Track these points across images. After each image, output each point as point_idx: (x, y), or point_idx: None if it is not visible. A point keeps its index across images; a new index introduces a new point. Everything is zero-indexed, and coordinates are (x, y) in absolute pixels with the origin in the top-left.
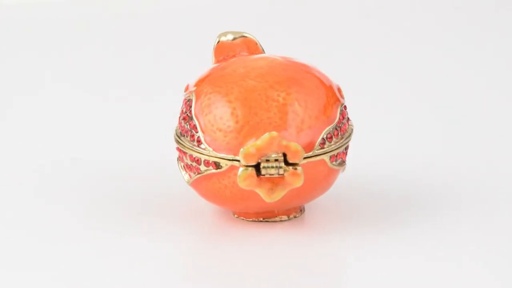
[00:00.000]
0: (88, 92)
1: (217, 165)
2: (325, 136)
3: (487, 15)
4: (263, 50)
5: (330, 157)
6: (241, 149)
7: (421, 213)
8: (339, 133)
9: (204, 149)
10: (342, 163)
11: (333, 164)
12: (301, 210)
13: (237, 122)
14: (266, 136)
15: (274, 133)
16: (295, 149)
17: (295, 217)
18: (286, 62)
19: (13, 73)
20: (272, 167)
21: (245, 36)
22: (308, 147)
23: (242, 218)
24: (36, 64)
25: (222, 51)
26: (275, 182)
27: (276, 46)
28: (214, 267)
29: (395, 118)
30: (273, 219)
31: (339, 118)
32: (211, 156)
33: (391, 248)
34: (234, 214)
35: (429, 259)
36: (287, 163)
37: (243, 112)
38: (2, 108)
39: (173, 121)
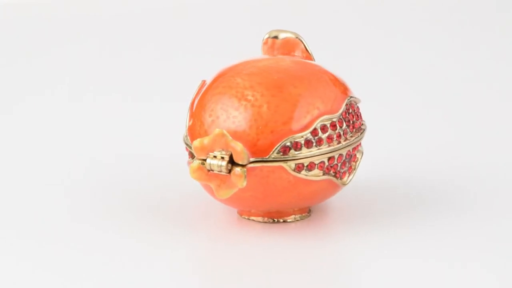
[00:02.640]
0: (99, 92)
1: (191, 155)
2: (289, 143)
3: (494, 16)
4: (310, 52)
5: (296, 165)
6: (193, 142)
7: (429, 214)
8: (315, 144)
9: (186, 137)
10: (323, 174)
11: (302, 174)
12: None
13: (210, 115)
14: (214, 132)
15: (223, 131)
16: (239, 150)
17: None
18: (290, 65)
19: (22, 74)
20: (215, 164)
21: (291, 37)
22: (266, 151)
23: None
24: (37, 66)
25: (270, 48)
26: (222, 179)
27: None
28: (217, 268)
29: (403, 118)
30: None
31: (318, 130)
32: (188, 145)
33: (397, 249)
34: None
35: (439, 260)
36: (234, 162)
37: (216, 107)
38: (7, 108)
39: (180, 125)
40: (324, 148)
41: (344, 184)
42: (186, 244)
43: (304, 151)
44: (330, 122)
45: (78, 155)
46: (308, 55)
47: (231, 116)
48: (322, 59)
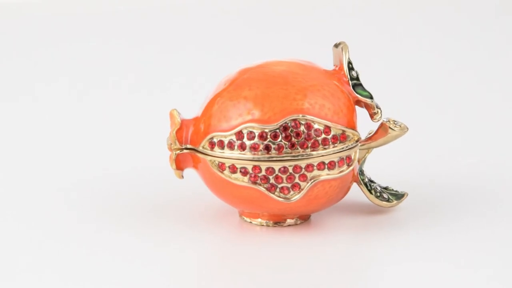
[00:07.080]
0: (101, 93)
1: None
2: (215, 140)
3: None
4: (344, 67)
5: (219, 163)
6: None
7: (433, 216)
8: (236, 148)
9: None
10: (250, 182)
11: (225, 174)
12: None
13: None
14: (170, 111)
15: (174, 111)
16: (171, 132)
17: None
18: (276, 69)
19: (22, 75)
20: (167, 141)
21: (340, 48)
22: (198, 142)
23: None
24: (37, 66)
25: (335, 55)
26: None
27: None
28: (218, 268)
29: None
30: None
31: (244, 135)
32: None
33: (399, 251)
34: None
35: (440, 264)
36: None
37: (210, 94)
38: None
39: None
40: (248, 155)
41: (287, 200)
42: (187, 244)
43: (227, 152)
44: (260, 131)
45: (81, 156)
46: (342, 69)
47: (205, 103)
48: None
